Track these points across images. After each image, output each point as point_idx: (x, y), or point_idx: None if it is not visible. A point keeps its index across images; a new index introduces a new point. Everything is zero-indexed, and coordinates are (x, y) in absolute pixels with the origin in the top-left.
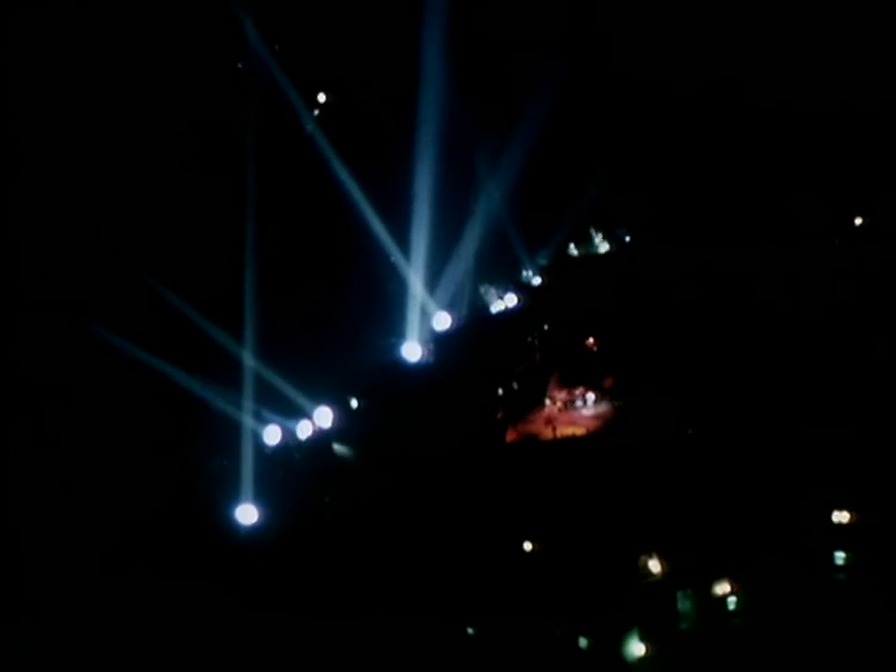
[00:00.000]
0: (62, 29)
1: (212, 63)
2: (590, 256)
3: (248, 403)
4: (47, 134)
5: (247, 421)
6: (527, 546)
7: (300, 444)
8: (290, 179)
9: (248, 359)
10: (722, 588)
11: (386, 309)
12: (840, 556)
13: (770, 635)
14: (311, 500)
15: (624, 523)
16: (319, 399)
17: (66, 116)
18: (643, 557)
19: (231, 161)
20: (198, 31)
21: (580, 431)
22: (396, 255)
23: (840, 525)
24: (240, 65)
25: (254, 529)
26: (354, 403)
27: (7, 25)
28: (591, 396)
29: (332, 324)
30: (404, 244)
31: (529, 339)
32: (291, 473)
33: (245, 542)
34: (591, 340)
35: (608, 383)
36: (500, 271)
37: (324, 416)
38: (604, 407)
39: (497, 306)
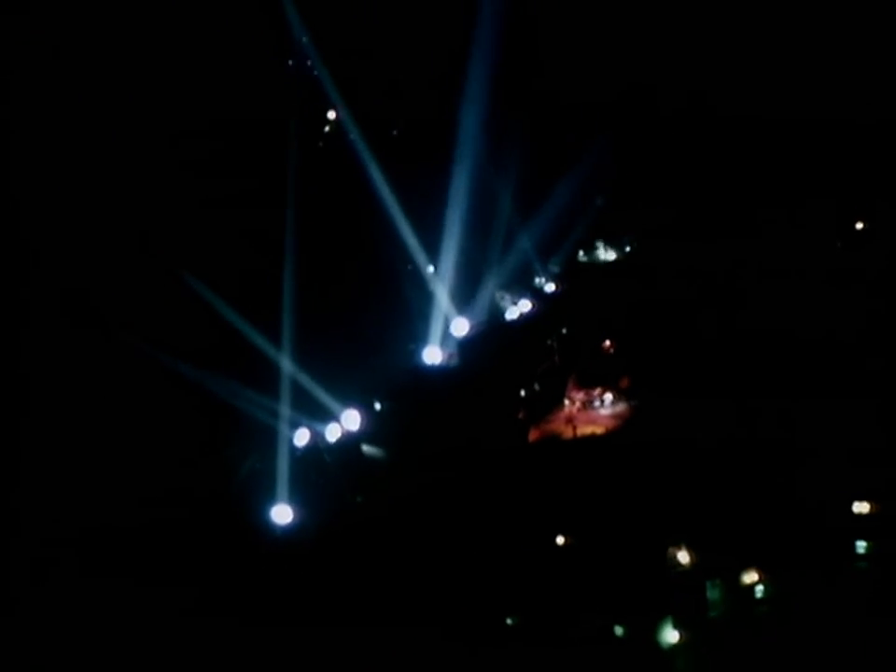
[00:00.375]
0: (106, 20)
1: (258, 62)
2: (599, 263)
3: (280, 406)
4: (84, 131)
5: (280, 423)
6: (560, 540)
7: (329, 446)
8: (324, 186)
9: (280, 364)
10: (750, 577)
11: (408, 316)
12: (861, 545)
13: (795, 621)
14: (343, 500)
15: (651, 517)
16: (346, 402)
17: (108, 113)
18: (672, 549)
19: (264, 163)
20: (245, 29)
21: (599, 430)
22: (418, 264)
23: (860, 514)
24: (290, 62)
25: (289, 529)
26: (380, 406)
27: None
28: (608, 396)
29: (358, 330)
30: (426, 254)
31: (549, 342)
32: (323, 474)
33: (281, 541)
34: (607, 342)
35: (624, 383)
36: (514, 278)
37: (352, 419)
38: (621, 406)
39: (512, 312)
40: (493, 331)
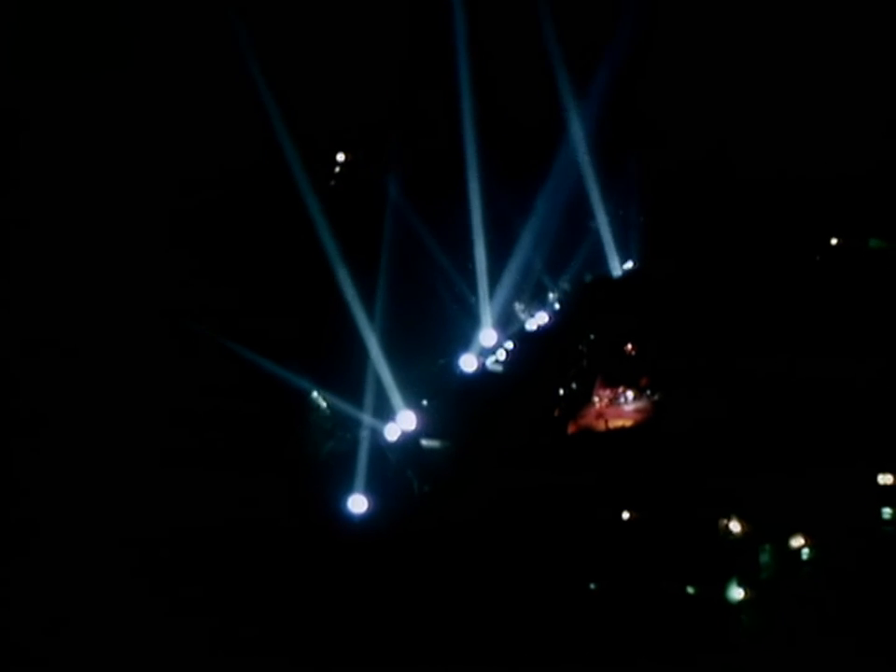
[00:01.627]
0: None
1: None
2: (611, 278)
3: (348, 406)
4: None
5: (356, 418)
6: (626, 515)
7: (389, 444)
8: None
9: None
10: (797, 542)
11: (447, 329)
12: (887, 512)
13: (836, 577)
14: (412, 490)
15: (698, 494)
16: (401, 405)
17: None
18: (723, 521)
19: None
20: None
21: (627, 422)
22: (453, 286)
23: (885, 485)
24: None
25: (365, 517)
26: (432, 406)
27: None
28: (630, 393)
29: (407, 342)
30: (456, 276)
31: (579, 347)
32: (390, 469)
33: (358, 529)
34: (629, 346)
35: (643, 381)
36: (530, 294)
37: (408, 419)
38: (642, 402)
39: (530, 323)
40: (529, 339)
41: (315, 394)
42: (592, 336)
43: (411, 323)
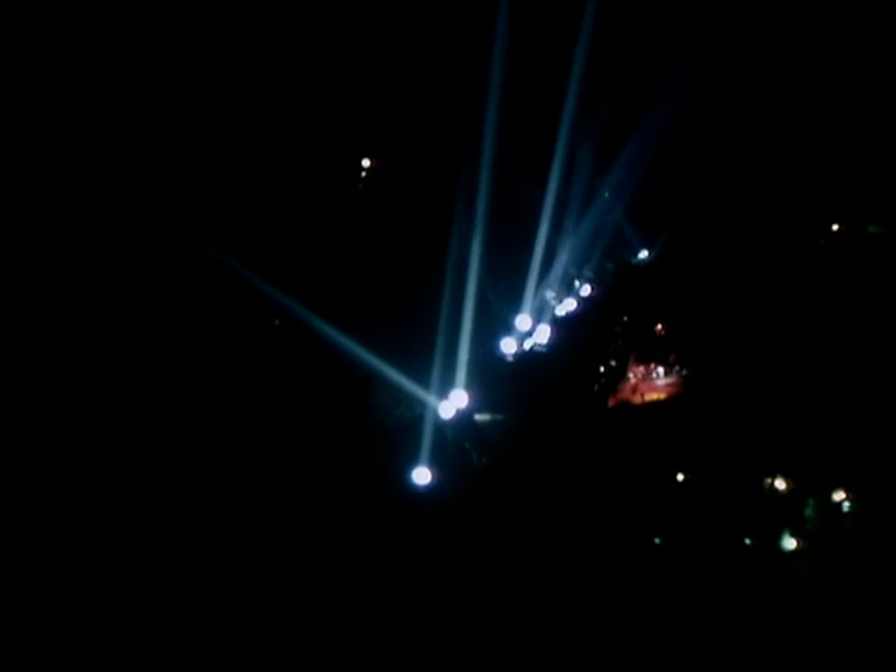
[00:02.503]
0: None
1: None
2: (637, 265)
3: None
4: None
5: (418, 396)
6: (680, 477)
7: (444, 421)
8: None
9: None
10: (839, 496)
11: (490, 316)
12: None
13: (873, 527)
14: (472, 462)
15: (742, 457)
16: (452, 384)
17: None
18: (768, 479)
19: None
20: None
21: (661, 395)
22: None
23: None
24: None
25: (429, 488)
26: (482, 385)
27: None
28: (661, 369)
29: (455, 326)
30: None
31: (615, 328)
32: (448, 443)
33: (424, 499)
34: (658, 326)
35: (672, 358)
36: (559, 283)
37: (460, 398)
38: (672, 377)
39: (559, 309)
40: (566, 323)
41: (386, 369)
42: (625, 318)
43: (456, 311)
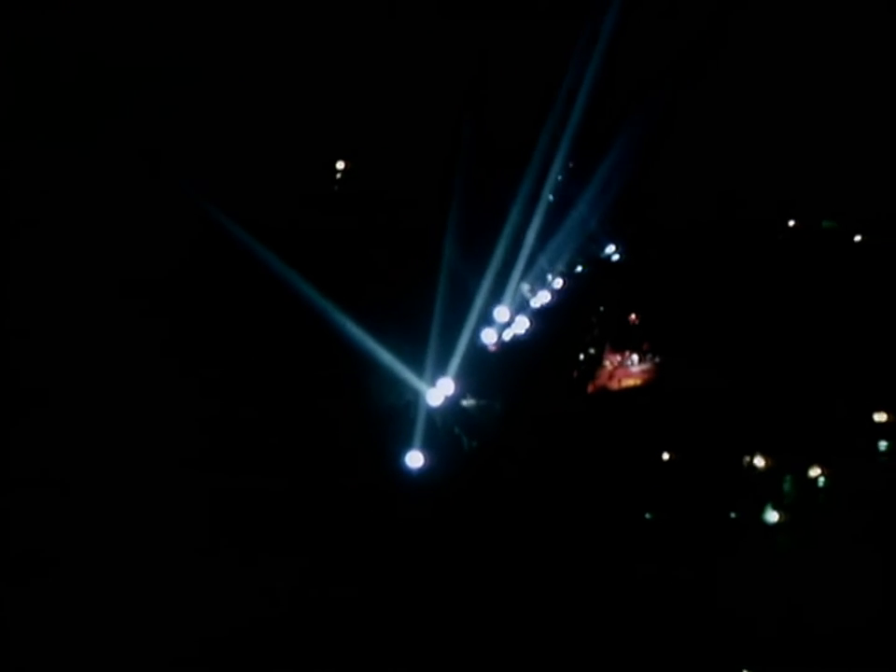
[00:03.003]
0: None
1: None
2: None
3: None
4: None
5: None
6: (665, 456)
7: (434, 407)
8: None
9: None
10: (814, 472)
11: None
12: (882, 444)
13: (847, 500)
14: (462, 446)
15: (722, 436)
16: (439, 372)
17: None
18: (747, 457)
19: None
20: None
21: (637, 381)
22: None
23: (880, 422)
24: None
25: (422, 471)
26: (467, 372)
27: None
28: (635, 357)
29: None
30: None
31: (592, 318)
32: (439, 428)
33: (417, 482)
34: (632, 316)
35: (645, 346)
36: (533, 276)
37: (447, 385)
38: (646, 364)
39: (534, 301)
40: (544, 314)
41: (377, 359)
42: (601, 308)
43: (441, 304)
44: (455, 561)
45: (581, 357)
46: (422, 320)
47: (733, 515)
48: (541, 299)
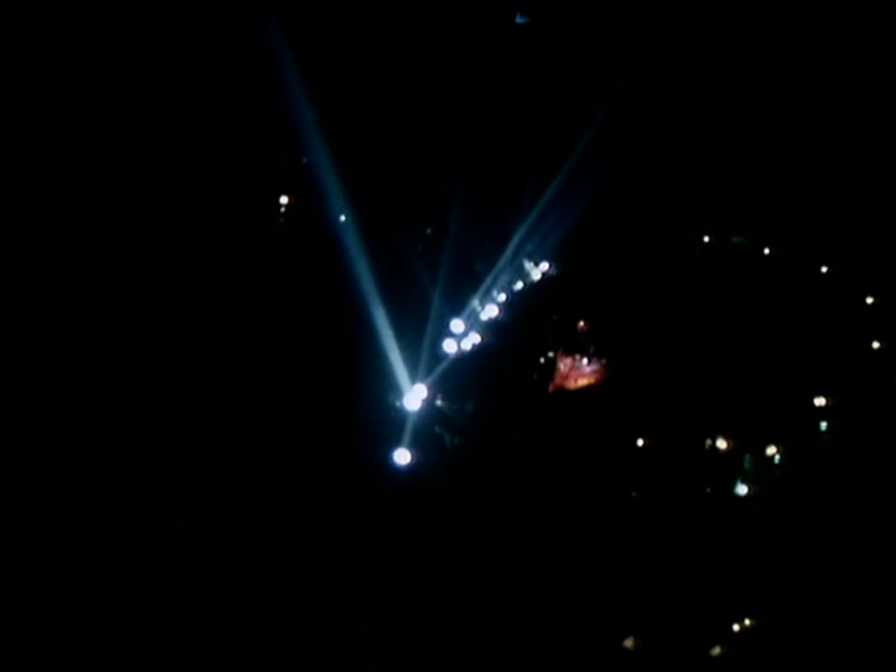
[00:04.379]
0: None
1: None
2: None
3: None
4: None
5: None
6: (640, 442)
7: (413, 411)
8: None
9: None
10: (771, 450)
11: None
12: (823, 425)
13: (801, 473)
14: (444, 443)
15: (685, 423)
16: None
17: None
18: (708, 441)
19: None
20: None
21: (590, 381)
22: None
23: (819, 406)
24: None
25: (409, 467)
26: (437, 378)
27: None
28: (584, 360)
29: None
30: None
31: (546, 325)
32: (421, 428)
33: (405, 478)
34: (581, 323)
35: (591, 350)
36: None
37: (421, 390)
38: (594, 365)
39: (484, 314)
40: (499, 325)
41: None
42: (554, 318)
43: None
44: (449, 552)
45: (542, 360)
46: (392, 332)
47: (708, 490)
48: (489, 312)
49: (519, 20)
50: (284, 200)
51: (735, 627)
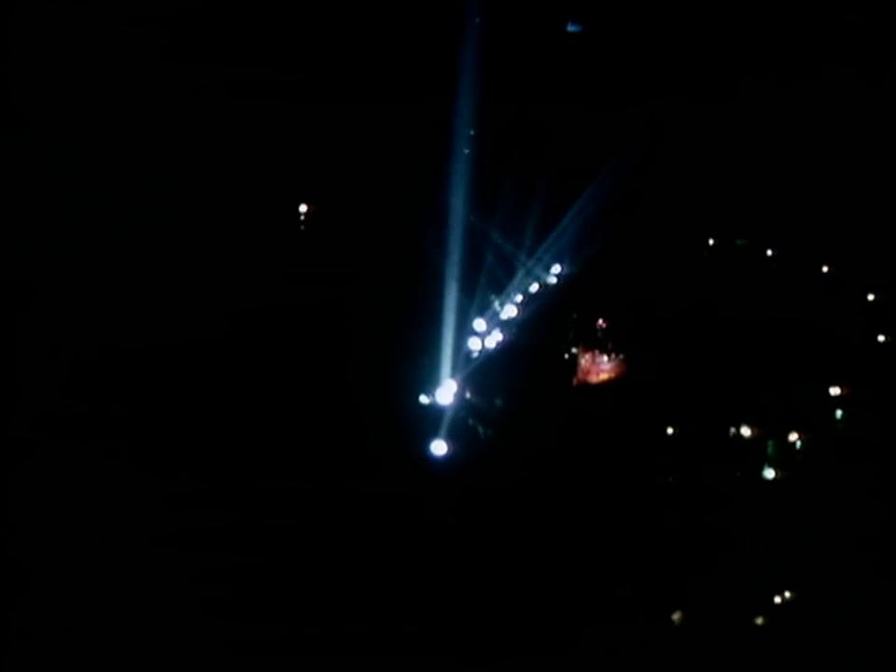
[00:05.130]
0: None
1: None
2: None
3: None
4: None
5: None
6: (670, 430)
7: (446, 406)
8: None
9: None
10: (793, 436)
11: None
12: (838, 413)
13: (820, 458)
14: (478, 435)
15: (711, 412)
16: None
17: None
18: (732, 428)
19: None
20: None
21: (610, 375)
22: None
23: (834, 395)
24: None
25: (446, 458)
26: (465, 374)
27: None
28: (603, 356)
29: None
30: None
31: (568, 324)
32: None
33: (442, 469)
34: (600, 321)
35: (609, 346)
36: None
37: (452, 386)
38: (612, 360)
39: (504, 314)
40: (521, 323)
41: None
42: (574, 315)
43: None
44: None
45: (566, 356)
46: (422, 333)
47: (738, 475)
48: (509, 311)
49: (571, 28)
50: (303, 208)
51: (777, 600)
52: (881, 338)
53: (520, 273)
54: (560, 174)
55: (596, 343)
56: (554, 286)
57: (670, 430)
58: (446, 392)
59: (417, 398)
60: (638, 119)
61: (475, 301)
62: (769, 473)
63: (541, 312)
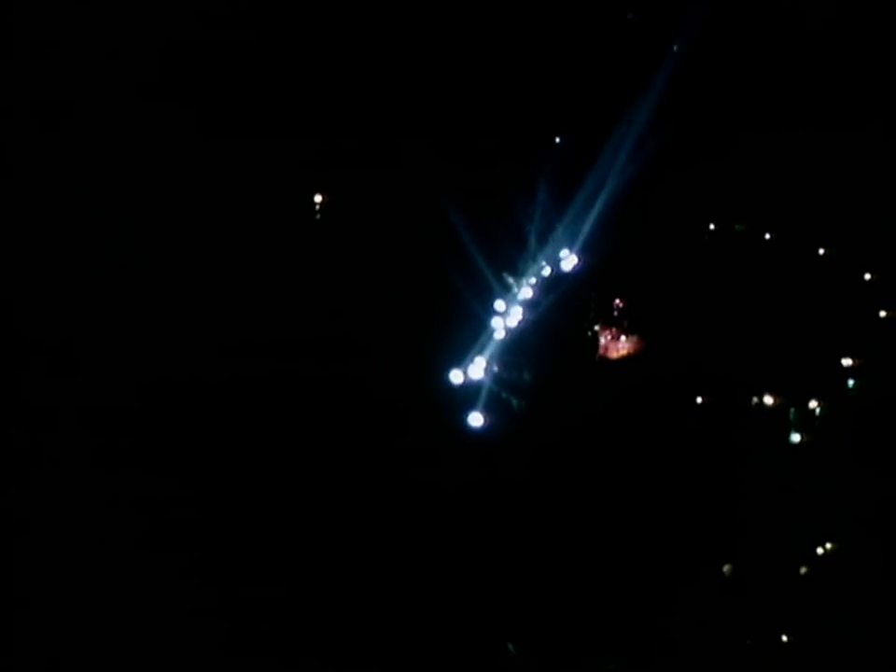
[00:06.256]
0: None
1: None
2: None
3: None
4: None
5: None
6: (699, 399)
7: (478, 381)
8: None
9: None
10: (812, 403)
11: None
12: (850, 383)
13: (838, 423)
14: (512, 407)
15: (729, 383)
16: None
17: None
18: (755, 398)
19: None
20: None
21: (629, 352)
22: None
23: (848, 366)
24: None
25: (482, 429)
26: (494, 351)
27: None
28: (621, 335)
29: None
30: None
31: (589, 304)
32: (489, 395)
33: (479, 439)
34: (618, 301)
35: (625, 324)
36: (518, 274)
37: (482, 362)
38: (631, 339)
39: (522, 294)
40: (542, 305)
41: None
42: (593, 294)
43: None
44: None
45: (588, 334)
46: (449, 314)
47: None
48: (525, 293)
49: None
50: (318, 198)
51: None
52: (882, 314)
53: (540, 256)
54: (578, 158)
55: (615, 322)
56: (574, 267)
57: (701, 399)
58: (477, 369)
59: (449, 376)
60: (652, 104)
61: (498, 283)
62: (795, 437)
63: (562, 293)
